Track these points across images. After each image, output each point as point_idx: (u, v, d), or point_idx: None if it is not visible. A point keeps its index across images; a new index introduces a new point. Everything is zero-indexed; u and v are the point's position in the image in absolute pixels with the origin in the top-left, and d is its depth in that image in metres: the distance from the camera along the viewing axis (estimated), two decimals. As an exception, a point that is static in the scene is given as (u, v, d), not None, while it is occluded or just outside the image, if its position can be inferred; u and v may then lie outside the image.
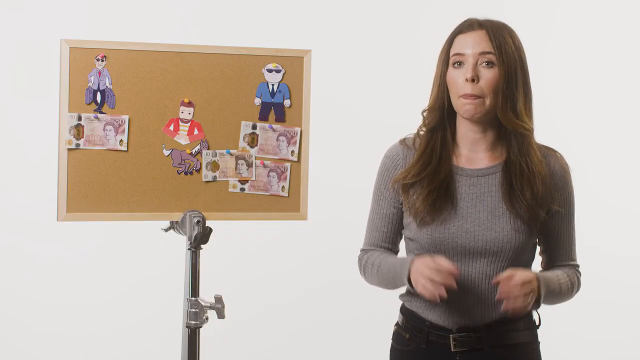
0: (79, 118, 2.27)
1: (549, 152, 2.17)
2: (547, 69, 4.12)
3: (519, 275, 1.99)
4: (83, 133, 2.27)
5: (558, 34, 4.24)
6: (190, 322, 2.28)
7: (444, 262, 1.98)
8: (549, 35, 4.21)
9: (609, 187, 4.16)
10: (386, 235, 2.21)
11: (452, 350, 2.12)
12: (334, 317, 4.11)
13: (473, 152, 2.15)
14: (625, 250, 4.14)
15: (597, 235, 4.08)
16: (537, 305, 2.10)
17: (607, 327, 4.13)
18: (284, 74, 2.36)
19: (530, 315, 2.19)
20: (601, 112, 4.18)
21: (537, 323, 2.21)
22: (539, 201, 2.09)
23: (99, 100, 2.27)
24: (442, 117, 2.14)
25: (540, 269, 2.23)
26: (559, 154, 2.19)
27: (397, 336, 2.24)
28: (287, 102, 2.37)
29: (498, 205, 2.10)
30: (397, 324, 2.25)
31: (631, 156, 4.16)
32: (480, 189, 2.12)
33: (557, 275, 2.14)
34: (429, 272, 1.97)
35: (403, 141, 2.21)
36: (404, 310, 2.23)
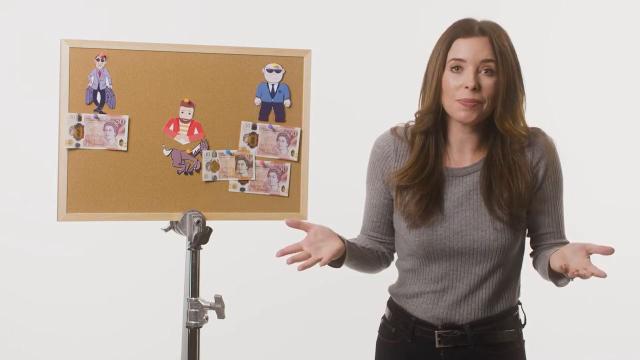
0: (79, 118, 2.27)
1: (532, 139, 2.14)
2: (546, 69, 4.12)
3: (570, 251, 1.97)
4: (83, 133, 2.27)
5: (557, 34, 4.24)
6: (190, 322, 2.28)
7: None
8: (548, 36, 4.22)
9: (609, 187, 4.16)
10: (375, 225, 2.22)
11: (437, 346, 2.13)
12: (333, 317, 4.12)
13: (461, 152, 2.15)
14: (625, 250, 4.13)
15: (597, 235, 4.07)
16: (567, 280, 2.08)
17: (601, 327, 4.13)
18: (284, 74, 2.36)
19: (516, 314, 2.20)
20: (601, 112, 4.18)
21: (522, 322, 2.22)
22: (521, 202, 2.09)
23: (99, 100, 2.27)
24: (436, 119, 2.12)
25: (531, 250, 2.23)
26: (542, 133, 2.16)
27: (383, 329, 2.26)
28: (287, 102, 2.37)
29: (482, 204, 2.11)
30: (384, 317, 2.27)
31: (631, 156, 4.15)
32: (464, 188, 2.12)
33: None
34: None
35: (394, 130, 2.19)
36: (391, 304, 2.24)
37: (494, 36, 2.06)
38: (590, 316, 4.11)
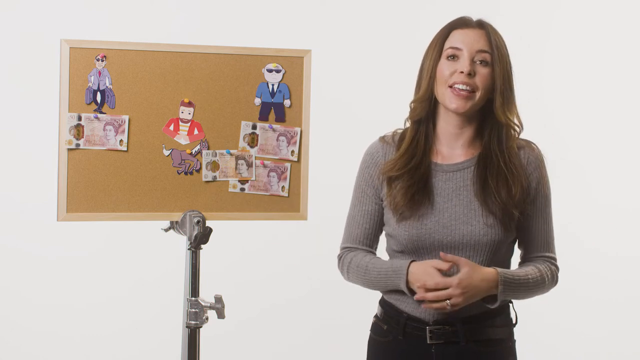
0: (79, 118, 2.27)
1: (525, 145, 2.18)
2: (546, 69, 4.12)
3: (462, 275, 2.03)
4: (83, 133, 2.27)
5: (557, 34, 4.23)
6: (190, 322, 2.28)
7: (437, 264, 2.05)
8: (548, 36, 4.21)
9: (609, 187, 4.16)
10: (367, 232, 2.23)
11: (428, 342, 2.14)
12: (333, 317, 4.11)
13: (450, 148, 2.17)
14: (625, 250, 4.14)
15: (597, 235, 4.08)
16: (493, 301, 2.10)
17: (597, 328, 4.12)
18: (284, 74, 2.36)
19: (507, 312, 2.21)
20: (601, 112, 4.17)
21: (513, 321, 2.23)
22: (515, 202, 2.11)
23: (99, 100, 2.27)
24: (429, 109, 2.15)
25: (519, 261, 2.24)
26: (534, 144, 2.20)
27: (375, 327, 2.27)
28: (287, 102, 2.37)
29: (473, 199, 2.12)
30: (375, 316, 2.28)
31: (631, 156, 4.15)
32: (455, 183, 2.14)
33: (526, 271, 2.14)
34: (428, 280, 2.04)
35: (382, 138, 2.24)
36: (382, 302, 2.26)
37: (491, 30, 2.12)
38: (586, 317, 4.11)
